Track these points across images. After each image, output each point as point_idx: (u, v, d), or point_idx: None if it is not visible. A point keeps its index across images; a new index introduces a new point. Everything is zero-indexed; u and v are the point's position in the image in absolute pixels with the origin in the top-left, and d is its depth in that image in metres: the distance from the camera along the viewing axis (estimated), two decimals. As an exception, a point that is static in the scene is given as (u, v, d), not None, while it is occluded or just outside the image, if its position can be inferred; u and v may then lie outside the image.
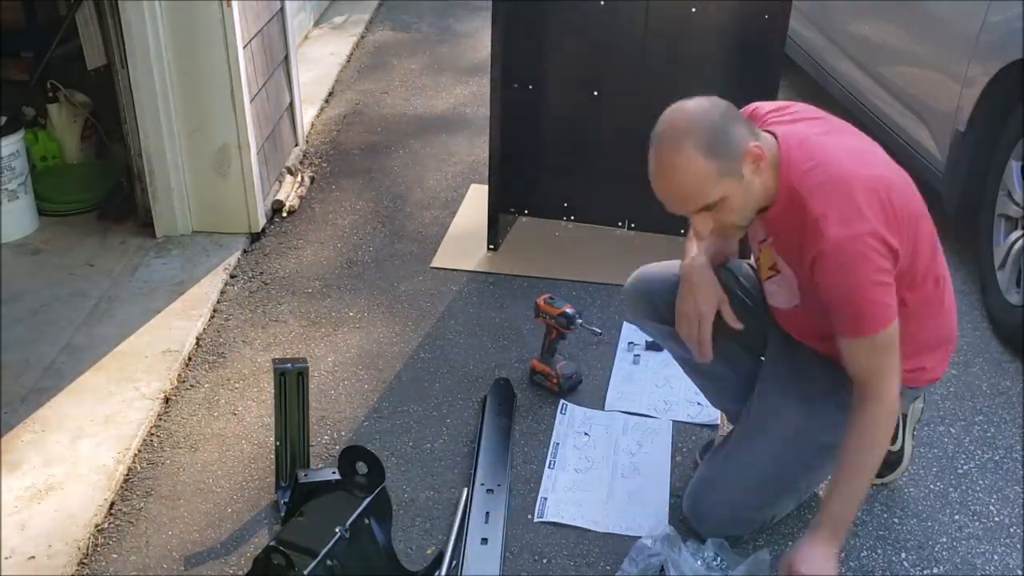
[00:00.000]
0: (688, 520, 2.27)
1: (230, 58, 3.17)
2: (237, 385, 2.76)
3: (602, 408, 2.69)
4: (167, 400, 2.68)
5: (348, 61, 5.23)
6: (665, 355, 2.88)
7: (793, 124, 2.03)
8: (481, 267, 3.35)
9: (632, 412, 2.68)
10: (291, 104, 3.94)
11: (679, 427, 2.63)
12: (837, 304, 1.91)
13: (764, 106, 2.12)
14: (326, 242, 3.50)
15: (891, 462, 2.41)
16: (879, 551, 2.26)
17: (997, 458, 2.55)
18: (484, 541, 2.21)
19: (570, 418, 2.65)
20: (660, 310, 2.31)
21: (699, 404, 2.68)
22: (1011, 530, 2.33)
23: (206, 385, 2.76)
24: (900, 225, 1.91)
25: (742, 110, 2.06)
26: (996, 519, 2.36)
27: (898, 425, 2.38)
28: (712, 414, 2.65)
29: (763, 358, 2.30)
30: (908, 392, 2.15)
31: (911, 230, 1.95)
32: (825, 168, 1.92)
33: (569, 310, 2.68)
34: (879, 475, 2.39)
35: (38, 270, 3.20)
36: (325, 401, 2.70)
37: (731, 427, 2.49)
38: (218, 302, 3.12)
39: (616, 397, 2.74)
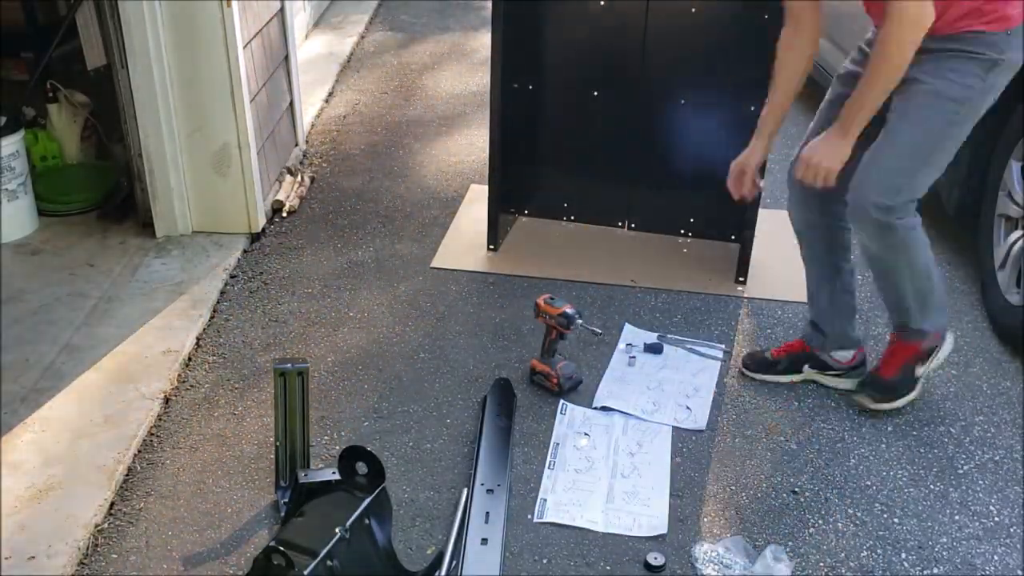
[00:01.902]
0: (851, 201, 2.42)
1: (230, 58, 3.17)
2: (237, 385, 2.76)
3: (589, 405, 2.70)
4: (167, 400, 2.68)
5: (348, 61, 5.24)
6: (660, 358, 2.90)
7: None
8: (481, 267, 3.35)
9: (618, 411, 2.68)
10: (291, 104, 3.95)
11: (675, 428, 2.63)
12: None
13: None
14: (326, 242, 3.50)
15: (908, 384, 2.63)
16: (879, 551, 2.26)
17: (997, 458, 2.55)
18: (484, 541, 2.21)
19: (570, 418, 2.65)
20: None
21: (688, 409, 2.69)
22: (1011, 530, 2.33)
23: (206, 385, 2.76)
24: None
25: None
26: (996, 519, 2.36)
27: (936, 350, 2.63)
28: (699, 420, 2.65)
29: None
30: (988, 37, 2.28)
31: None
32: None
33: (569, 310, 2.68)
34: (896, 397, 2.64)
35: (38, 270, 3.21)
36: (325, 401, 2.70)
37: (719, 434, 2.50)
38: (218, 302, 3.12)
39: (605, 395, 2.74)
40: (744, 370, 2.82)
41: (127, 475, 2.42)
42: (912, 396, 2.66)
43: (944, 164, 2.41)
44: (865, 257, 2.56)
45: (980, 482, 2.47)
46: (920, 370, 2.64)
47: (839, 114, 2.39)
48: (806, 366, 2.78)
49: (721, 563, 2.17)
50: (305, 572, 1.91)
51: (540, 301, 2.74)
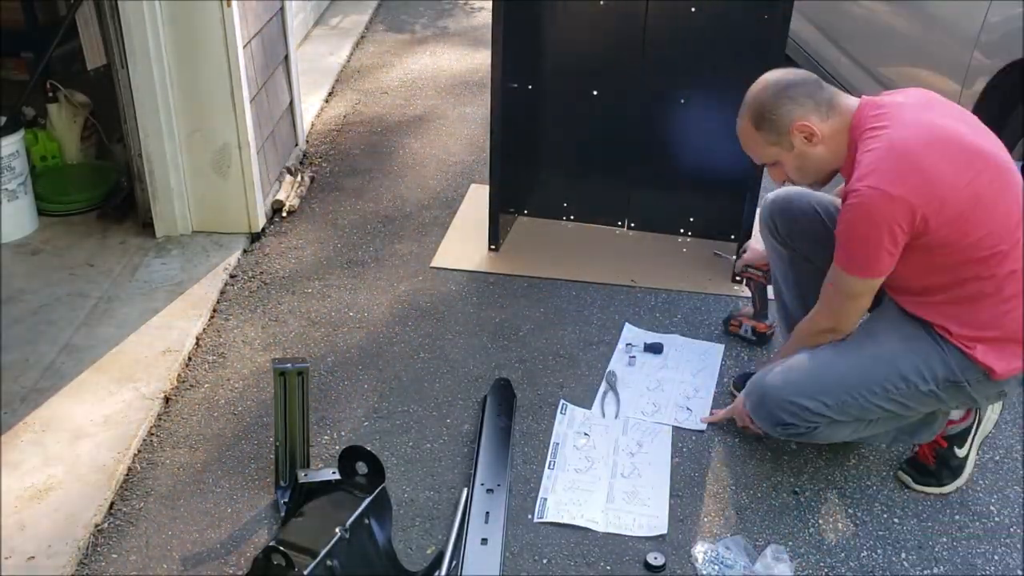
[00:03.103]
0: (750, 403, 2.38)
1: (230, 58, 3.16)
2: (237, 385, 2.76)
3: (589, 407, 2.70)
4: (167, 400, 2.68)
5: (348, 61, 5.24)
6: (660, 358, 2.90)
7: (894, 97, 2.22)
8: (481, 267, 3.35)
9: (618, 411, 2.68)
10: (291, 104, 3.94)
11: (675, 428, 2.63)
12: (843, 239, 2.17)
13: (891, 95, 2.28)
14: (326, 242, 3.50)
15: (953, 469, 2.43)
16: (879, 551, 2.26)
17: (997, 458, 2.55)
18: (484, 541, 2.21)
19: (570, 418, 2.65)
20: (780, 229, 2.60)
21: (688, 410, 2.69)
22: (1011, 530, 2.33)
23: (206, 385, 2.76)
24: (942, 195, 2.05)
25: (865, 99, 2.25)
26: (996, 519, 2.36)
27: (970, 432, 2.44)
28: (699, 420, 2.65)
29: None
30: (964, 365, 2.19)
31: (959, 204, 2.07)
32: (887, 132, 2.11)
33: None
34: (940, 483, 2.43)
35: (38, 270, 3.20)
36: (325, 401, 2.70)
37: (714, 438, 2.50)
38: (218, 302, 3.12)
39: (604, 397, 2.73)
40: (734, 390, 2.74)
41: (127, 475, 2.42)
42: (960, 481, 2.44)
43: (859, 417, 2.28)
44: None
45: (980, 482, 2.47)
46: (961, 451, 2.43)
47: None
48: None
49: (722, 563, 2.17)
50: (305, 572, 1.91)
51: (742, 265, 2.89)
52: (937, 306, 2.20)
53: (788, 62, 4.28)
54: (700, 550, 2.21)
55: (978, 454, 2.49)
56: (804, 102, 2.21)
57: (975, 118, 2.26)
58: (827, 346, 2.31)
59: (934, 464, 2.43)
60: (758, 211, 2.74)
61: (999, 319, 2.16)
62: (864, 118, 2.17)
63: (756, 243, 2.84)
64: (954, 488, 2.43)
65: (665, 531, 2.28)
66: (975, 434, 2.44)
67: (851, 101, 2.23)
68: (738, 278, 3.12)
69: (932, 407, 2.29)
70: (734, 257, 3.02)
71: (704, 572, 2.16)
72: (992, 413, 2.47)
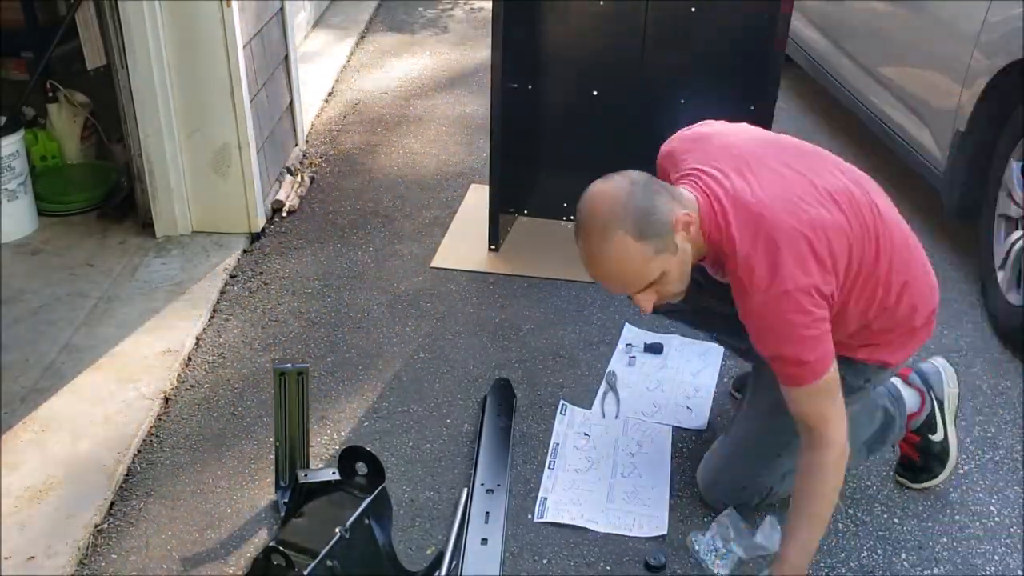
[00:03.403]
0: (706, 495, 2.35)
1: (230, 58, 3.16)
2: (237, 385, 2.76)
3: (589, 407, 2.70)
4: (167, 400, 2.68)
5: (348, 61, 5.24)
6: (660, 358, 2.90)
7: (709, 167, 2.00)
8: (481, 267, 3.35)
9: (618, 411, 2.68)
10: (291, 104, 3.94)
11: (675, 428, 2.63)
12: (772, 359, 1.93)
13: (678, 147, 2.13)
14: (326, 242, 3.50)
15: (938, 455, 2.42)
16: (879, 551, 2.26)
17: (997, 458, 2.55)
18: (484, 541, 2.21)
19: (570, 418, 2.65)
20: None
21: (688, 409, 2.69)
22: (1011, 530, 2.33)
23: (206, 385, 2.76)
24: (837, 265, 1.90)
25: (659, 155, 2.13)
26: (996, 519, 2.36)
27: (934, 413, 2.41)
28: (701, 420, 2.65)
29: None
30: (867, 370, 2.15)
31: (856, 263, 1.94)
32: (748, 225, 1.89)
33: None
34: (932, 475, 2.41)
35: (38, 270, 3.21)
36: (325, 401, 2.70)
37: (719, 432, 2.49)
38: (218, 302, 3.12)
39: (604, 398, 2.73)
40: (734, 394, 2.75)
41: (127, 475, 2.42)
42: (951, 463, 2.40)
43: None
44: None
45: (980, 482, 2.47)
46: (936, 436, 2.40)
47: (780, 565, 1.97)
48: None
49: (720, 545, 2.18)
50: (305, 572, 1.91)
51: None
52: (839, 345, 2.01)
53: (788, 62, 4.29)
54: (696, 539, 2.22)
55: (959, 432, 2.48)
56: (664, 193, 1.94)
57: (811, 148, 2.15)
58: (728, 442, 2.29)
59: (920, 459, 2.43)
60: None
61: (905, 338, 2.12)
62: (711, 203, 1.95)
63: None
64: (949, 473, 2.41)
65: (665, 531, 2.28)
66: (943, 415, 2.41)
67: (681, 188, 2.00)
68: None
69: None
70: None
71: (704, 558, 2.17)
72: (950, 388, 2.43)
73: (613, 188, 1.94)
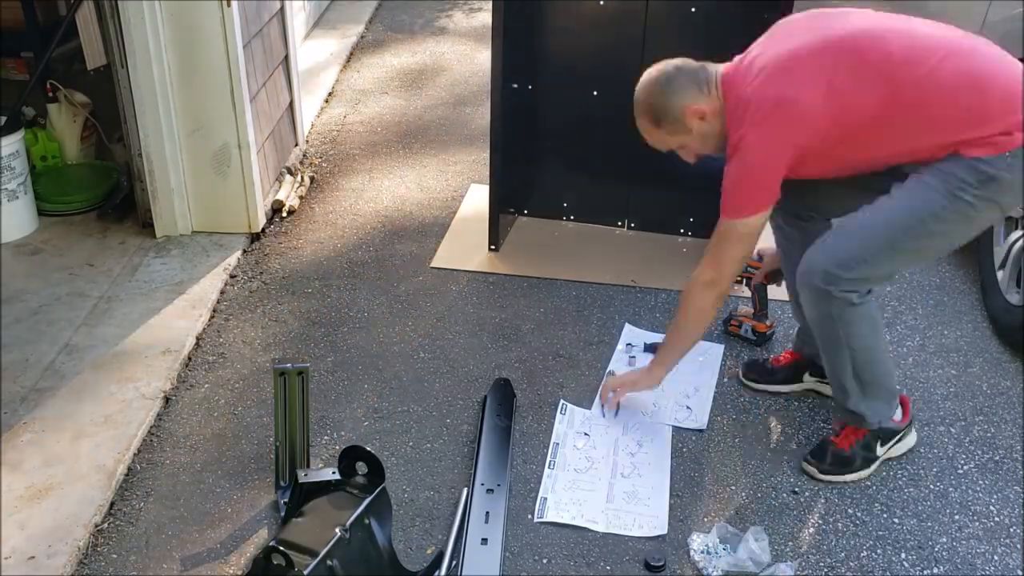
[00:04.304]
0: (803, 262, 2.35)
1: (230, 58, 3.16)
2: (237, 385, 2.76)
3: (589, 407, 2.70)
4: (167, 400, 2.68)
5: (348, 61, 5.24)
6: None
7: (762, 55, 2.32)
8: (481, 267, 3.35)
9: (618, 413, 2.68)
10: (291, 104, 3.94)
11: (675, 428, 2.63)
12: (724, 184, 2.30)
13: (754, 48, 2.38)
14: (326, 242, 3.50)
15: (866, 461, 2.46)
16: (879, 551, 2.26)
17: (997, 458, 2.55)
18: (484, 541, 2.21)
19: (570, 418, 2.65)
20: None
21: (688, 408, 2.69)
22: (1011, 530, 2.33)
23: (206, 385, 2.76)
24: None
25: (737, 59, 2.38)
26: (996, 519, 2.36)
27: (895, 437, 2.49)
28: (700, 420, 2.65)
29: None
30: (996, 162, 2.14)
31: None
32: (753, 84, 2.24)
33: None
34: (849, 470, 2.45)
35: (38, 270, 3.21)
36: (325, 401, 2.70)
37: (716, 435, 2.50)
38: (218, 302, 3.12)
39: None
40: (744, 379, 2.79)
41: (127, 475, 2.42)
42: (865, 473, 2.46)
43: (913, 262, 2.34)
44: (812, 326, 2.43)
45: (980, 482, 2.47)
46: (881, 450, 2.48)
47: (650, 364, 2.61)
48: (807, 375, 2.74)
49: (714, 552, 2.19)
50: (305, 572, 1.91)
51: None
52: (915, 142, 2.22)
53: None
54: (695, 541, 2.22)
55: (883, 466, 2.49)
56: (688, 88, 2.35)
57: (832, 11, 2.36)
58: (857, 212, 2.32)
59: (855, 449, 2.45)
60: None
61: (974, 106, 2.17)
62: (731, 76, 2.32)
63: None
64: (856, 479, 2.44)
65: (665, 531, 2.28)
66: (894, 443, 2.50)
67: (721, 68, 2.37)
68: (738, 277, 3.10)
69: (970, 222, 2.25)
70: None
71: (696, 559, 2.18)
72: (909, 441, 2.54)
73: (646, 80, 2.42)
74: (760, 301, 2.93)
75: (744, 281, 2.94)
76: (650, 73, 2.41)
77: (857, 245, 2.27)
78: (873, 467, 2.47)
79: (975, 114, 2.14)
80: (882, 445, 2.47)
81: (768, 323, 2.94)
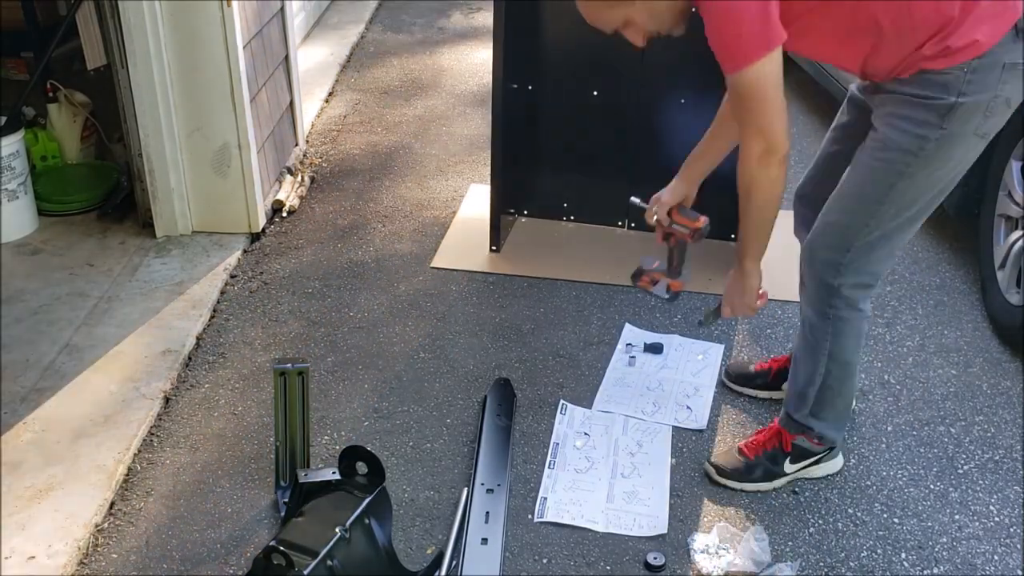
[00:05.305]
0: (803, 262, 2.27)
1: (230, 58, 3.17)
2: (237, 385, 2.76)
3: (589, 407, 2.70)
4: (167, 400, 2.68)
5: (348, 61, 5.24)
6: (660, 358, 2.90)
7: None
8: (481, 267, 3.35)
9: (619, 413, 2.68)
10: (291, 104, 3.95)
11: (675, 428, 2.63)
12: (715, 41, 2.03)
13: None
14: (326, 242, 3.50)
15: (771, 474, 2.41)
16: (879, 551, 2.26)
17: (997, 458, 2.55)
18: (484, 541, 2.21)
19: (570, 418, 2.65)
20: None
21: (688, 408, 2.69)
22: (1011, 530, 2.33)
23: (206, 385, 2.76)
24: None
25: None
26: (996, 519, 2.36)
27: (810, 457, 2.41)
28: (700, 420, 2.65)
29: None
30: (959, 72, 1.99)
31: None
32: None
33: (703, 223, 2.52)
34: (748, 479, 2.40)
35: (38, 270, 3.21)
36: (325, 401, 2.70)
37: (719, 436, 2.49)
38: (218, 302, 3.12)
39: (605, 399, 2.73)
40: (724, 378, 2.78)
41: (127, 475, 2.42)
42: (767, 487, 2.40)
43: (903, 218, 2.14)
44: (801, 325, 2.36)
45: (980, 482, 2.47)
46: (790, 467, 2.41)
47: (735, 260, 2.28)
48: (785, 384, 2.59)
49: (714, 553, 2.19)
50: (305, 572, 1.91)
51: (667, 217, 2.54)
52: (878, 55, 2.04)
53: (788, 63, 4.29)
54: (695, 541, 2.23)
55: (795, 490, 2.43)
56: None
57: None
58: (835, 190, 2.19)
59: (761, 458, 2.40)
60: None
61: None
62: None
63: (668, 191, 2.55)
64: (753, 489, 2.41)
65: (665, 531, 2.28)
66: (808, 464, 2.43)
67: None
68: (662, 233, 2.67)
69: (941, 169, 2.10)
70: (652, 206, 2.59)
71: (696, 559, 2.18)
72: (830, 466, 2.46)
73: None
74: (678, 258, 2.63)
75: (665, 237, 2.62)
76: None
77: (842, 224, 2.16)
78: (778, 482, 2.41)
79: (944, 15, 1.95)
80: (791, 462, 2.41)
81: (682, 280, 2.63)
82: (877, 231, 2.15)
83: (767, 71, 1.98)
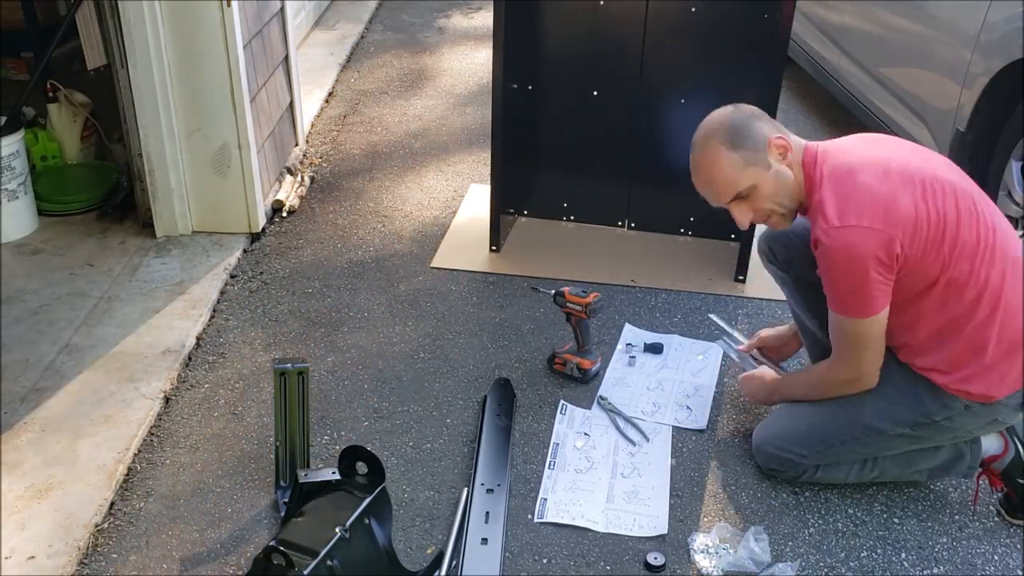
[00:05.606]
0: (754, 453, 2.47)
1: (230, 58, 3.17)
2: (237, 385, 2.76)
3: (589, 407, 2.69)
4: (167, 400, 2.68)
5: (348, 61, 5.24)
6: (660, 358, 2.90)
7: (837, 143, 2.25)
8: (481, 267, 3.35)
9: (619, 413, 2.67)
10: (291, 104, 3.95)
11: (675, 428, 2.63)
12: (829, 283, 2.15)
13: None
14: (326, 242, 3.50)
15: None
16: (879, 551, 2.26)
17: (997, 458, 2.55)
18: (484, 541, 2.21)
19: (570, 418, 2.65)
20: (777, 255, 2.56)
21: (688, 408, 2.69)
22: (1011, 530, 2.33)
23: (206, 385, 2.76)
24: (915, 229, 2.06)
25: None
26: (996, 519, 2.36)
27: (1020, 456, 2.35)
28: (700, 420, 2.65)
29: None
30: (955, 403, 2.19)
31: (931, 235, 2.08)
32: (843, 168, 2.13)
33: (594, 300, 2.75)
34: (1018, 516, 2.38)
35: (38, 270, 3.21)
36: (325, 401, 2.70)
37: (720, 433, 2.49)
38: (218, 302, 3.12)
39: (605, 399, 2.73)
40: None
41: (127, 475, 2.42)
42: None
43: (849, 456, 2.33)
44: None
45: (980, 482, 2.47)
46: None
47: (776, 385, 2.51)
48: None
49: (715, 553, 2.19)
50: (305, 572, 1.91)
51: (566, 291, 2.77)
52: (916, 350, 2.21)
53: (788, 63, 4.29)
54: (695, 541, 2.22)
55: None
56: (769, 121, 2.22)
57: (927, 150, 2.27)
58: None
59: (1016, 497, 2.35)
60: (755, 243, 2.73)
61: (976, 346, 2.14)
62: (814, 154, 2.20)
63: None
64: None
65: (665, 531, 2.28)
66: None
67: (797, 137, 2.25)
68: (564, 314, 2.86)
69: (909, 446, 2.31)
70: (552, 292, 2.81)
71: (696, 559, 2.18)
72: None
73: (721, 111, 2.23)
74: (583, 336, 2.78)
75: (566, 317, 2.80)
76: (724, 107, 2.24)
77: (792, 438, 2.36)
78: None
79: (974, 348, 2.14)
80: (1022, 478, 2.35)
81: (592, 359, 2.78)
82: (824, 457, 2.36)
83: (875, 329, 2.15)
